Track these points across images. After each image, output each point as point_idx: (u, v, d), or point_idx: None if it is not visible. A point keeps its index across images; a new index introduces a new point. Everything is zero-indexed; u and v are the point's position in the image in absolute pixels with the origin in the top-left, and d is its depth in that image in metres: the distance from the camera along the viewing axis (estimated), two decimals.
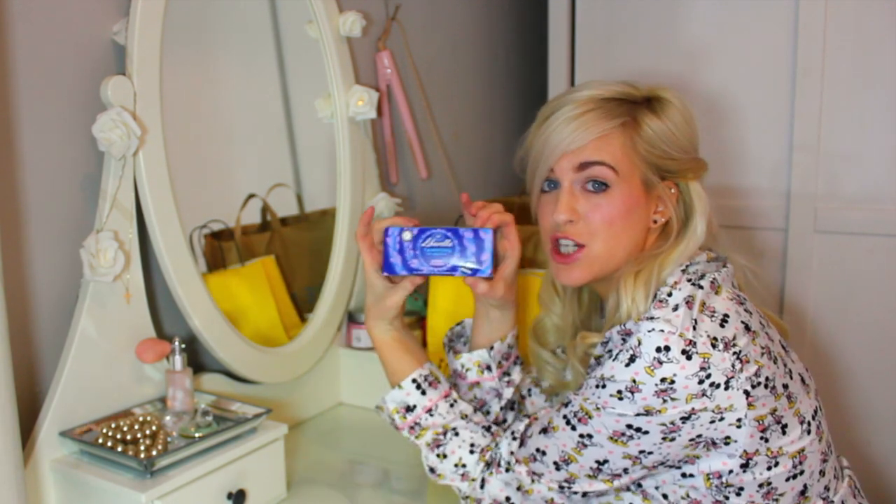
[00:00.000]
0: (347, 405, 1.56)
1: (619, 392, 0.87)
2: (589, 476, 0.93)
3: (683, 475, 0.92)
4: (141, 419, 1.11)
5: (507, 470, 1.00)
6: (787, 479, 0.92)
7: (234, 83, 1.42)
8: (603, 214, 0.96)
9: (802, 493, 0.94)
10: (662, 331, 0.86)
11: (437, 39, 1.88)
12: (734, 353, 0.87)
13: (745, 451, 0.88)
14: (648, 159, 0.97)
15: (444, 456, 1.05)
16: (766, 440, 0.89)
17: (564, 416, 0.93)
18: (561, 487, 0.96)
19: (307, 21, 1.45)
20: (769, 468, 0.90)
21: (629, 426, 0.88)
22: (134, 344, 1.14)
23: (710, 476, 0.91)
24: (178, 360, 1.15)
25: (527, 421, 1.02)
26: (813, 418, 0.95)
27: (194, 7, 1.26)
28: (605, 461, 0.91)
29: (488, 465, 1.02)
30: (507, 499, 1.00)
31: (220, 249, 1.36)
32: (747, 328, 0.90)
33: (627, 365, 0.86)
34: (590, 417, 0.90)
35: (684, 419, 0.86)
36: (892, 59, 1.58)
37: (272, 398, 1.36)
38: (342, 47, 1.48)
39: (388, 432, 1.09)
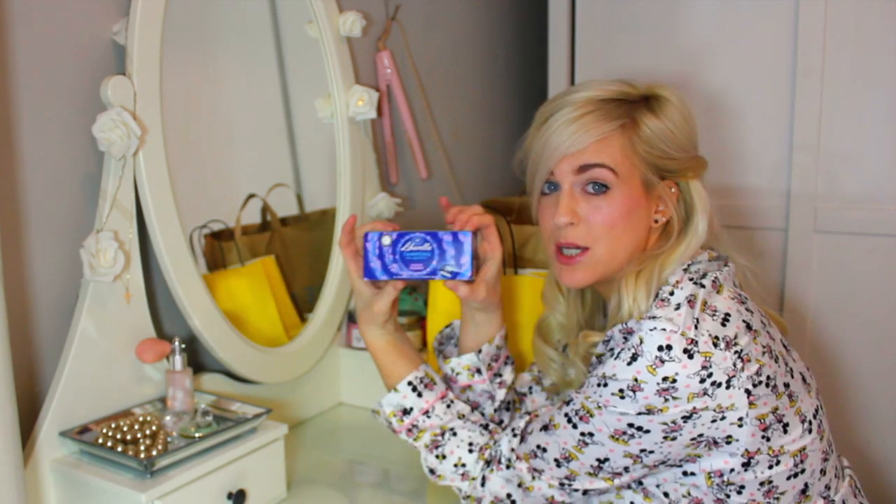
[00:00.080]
0: (347, 405, 1.56)
1: (621, 391, 0.87)
2: (589, 474, 0.93)
3: (685, 474, 0.92)
4: (141, 419, 1.11)
5: (508, 466, 0.99)
6: (789, 478, 0.92)
7: (234, 83, 1.41)
8: (604, 216, 0.96)
9: (803, 491, 0.94)
10: (664, 329, 0.86)
11: (437, 39, 1.88)
12: (735, 352, 0.87)
13: (746, 449, 0.88)
14: (648, 160, 0.97)
15: (444, 457, 1.04)
16: (768, 439, 0.89)
17: (566, 414, 0.93)
18: (561, 485, 0.95)
19: (307, 21, 1.45)
20: (770, 467, 0.90)
21: (630, 425, 0.87)
22: (134, 344, 1.13)
23: (712, 475, 0.91)
24: (178, 360, 1.15)
25: (527, 418, 1.02)
26: (814, 417, 0.95)
27: (194, 7, 1.26)
28: (606, 459, 0.91)
29: (488, 462, 1.02)
30: (508, 496, 0.99)
31: (220, 249, 1.36)
32: (749, 327, 0.90)
33: (629, 364, 0.86)
34: (591, 416, 0.90)
35: (686, 418, 0.86)
36: (892, 59, 1.58)
37: (272, 398, 1.36)
38: (342, 47, 1.48)
39: (388, 433, 1.09)
